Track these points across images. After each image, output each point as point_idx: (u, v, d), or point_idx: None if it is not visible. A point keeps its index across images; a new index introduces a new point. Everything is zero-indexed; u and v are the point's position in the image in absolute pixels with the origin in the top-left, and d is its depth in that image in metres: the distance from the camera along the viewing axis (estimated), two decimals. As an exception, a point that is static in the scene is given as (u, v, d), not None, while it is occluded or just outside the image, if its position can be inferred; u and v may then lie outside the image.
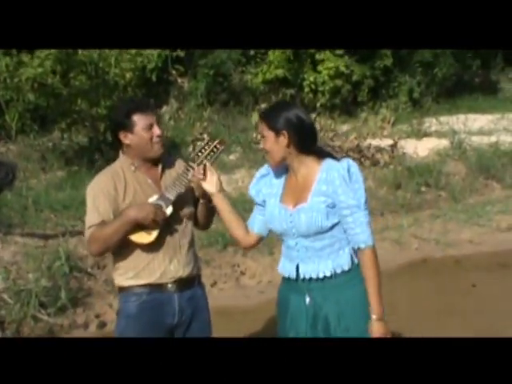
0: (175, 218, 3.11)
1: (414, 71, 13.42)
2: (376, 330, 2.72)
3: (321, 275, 2.78)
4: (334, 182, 2.73)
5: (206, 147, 3.09)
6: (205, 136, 10.34)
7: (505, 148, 10.94)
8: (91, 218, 3.05)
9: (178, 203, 3.09)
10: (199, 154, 3.07)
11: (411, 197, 9.20)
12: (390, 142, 10.50)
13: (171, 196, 3.05)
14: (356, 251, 2.80)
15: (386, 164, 10.12)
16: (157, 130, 3.10)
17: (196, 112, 11.67)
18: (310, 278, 2.81)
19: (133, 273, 3.09)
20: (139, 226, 3.00)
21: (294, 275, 2.85)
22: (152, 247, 3.07)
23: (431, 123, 12.07)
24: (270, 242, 7.30)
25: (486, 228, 8.21)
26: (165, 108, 11.77)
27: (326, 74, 12.14)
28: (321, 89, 12.31)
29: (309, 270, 2.81)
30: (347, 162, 2.76)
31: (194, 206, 3.25)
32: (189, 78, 12.20)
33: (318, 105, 12.37)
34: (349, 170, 2.73)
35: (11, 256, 6.08)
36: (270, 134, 2.80)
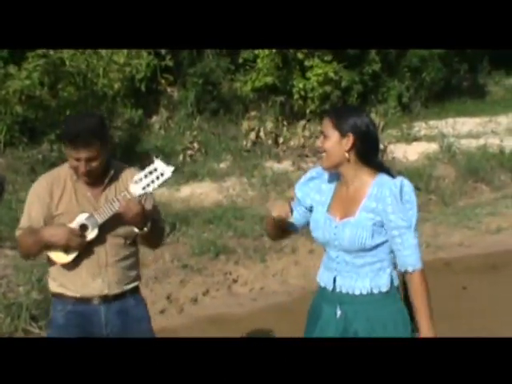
0: (105, 237, 3.01)
1: (402, 76, 13.47)
2: None
3: (357, 292, 2.73)
4: (385, 199, 2.65)
5: (149, 173, 2.93)
6: (195, 145, 10.35)
7: (493, 150, 11.00)
8: (23, 220, 3.08)
9: (113, 221, 2.98)
10: (142, 178, 2.93)
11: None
12: (380, 146, 10.50)
13: (99, 219, 2.94)
14: (404, 273, 2.73)
15: (376, 169, 10.12)
16: (81, 168, 2.94)
17: (186, 121, 11.67)
18: (347, 293, 2.75)
19: (60, 281, 3.07)
20: (55, 246, 2.96)
21: (330, 286, 2.80)
22: (74, 262, 3.01)
23: (420, 127, 12.11)
24: (261, 249, 7.32)
25: (476, 230, 8.24)
26: (154, 118, 11.77)
27: (315, 81, 12.16)
28: (310, 95, 12.33)
29: (345, 285, 2.75)
30: (401, 181, 2.67)
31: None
32: (178, 87, 12.21)
33: (308, 111, 12.39)
34: (402, 189, 2.64)
35: (1, 269, 6.05)
36: (334, 134, 2.71)
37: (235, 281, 6.73)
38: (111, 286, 3.06)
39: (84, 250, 2.99)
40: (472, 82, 15.88)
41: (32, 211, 3.03)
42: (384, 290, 2.72)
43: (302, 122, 11.62)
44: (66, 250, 2.97)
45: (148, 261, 6.68)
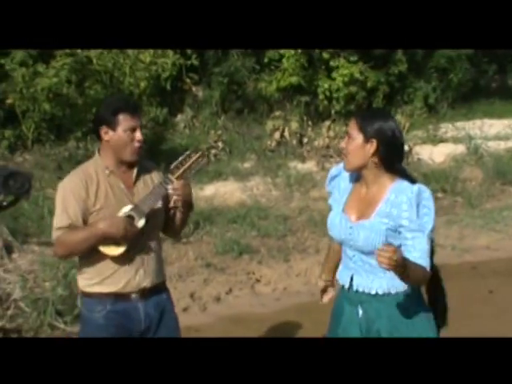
0: (145, 230, 3.07)
1: (429, 77, 13.39)
2: None
3: (373, 292, 2.75)
4: (401, 205, 2.65)
5: (187, 159, 3.06)
6: (219, 144, 10.40)
7: (521, 153, 10.89)
8: (60, 219, 3.02)
9: (150, 214, 3.06)
10: (179, 165, 3.04)
11: (426, 202, 9.15)
12: (405, 148, 10.45)
13: (146, 209, 3.01)
14: None
15: (402, 170, 10.09)
16: (139, 135, 3.04)
17: (210, 120, 11.72)
18: (363, 292, 2.78)
19: (98, 279, 3.08)
20: (109, 238, 2.98)
21: (347, 285, 2.83)
22: (119, 257, 3.05)
23: (447, 129, 12.03)
24: (285, 249, 7.34)
25: (503, 234, 8.17)
26: (179, 116, 11.83)
27: (340, 81, 12.14)
28: (335, 96, 12.31)
29: (362, 284, 2.78)
30: (418, 187, 2.67)
31: (166, 214, 3.22)
32: (203, 86, 12.26)
33: (333, 112, 12.38)
34: (419, 195, 2.65)
35: (28, 265, 6.14)
36: (358, 137, 2.72)
37: (258, 280, 6.76)
38: (150, 277, 3.13)
39: (131, 242, 3.03)
40: (501, 82, 15.75)
41: (69, 209, 3.00)
42: (401, 289, 2.73)
43: (327, 123, 11.62)
44: (117, 241, 3.00)
45: (172, 259, 6.74)
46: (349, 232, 2.77)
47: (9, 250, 6.19)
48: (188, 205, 3.13)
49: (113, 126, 3.03)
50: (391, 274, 2.66)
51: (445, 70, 13.53)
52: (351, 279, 2.82)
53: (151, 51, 9.63)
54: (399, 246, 2.66)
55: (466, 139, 11.23)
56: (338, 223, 2.82)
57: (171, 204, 3.16)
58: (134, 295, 3.10)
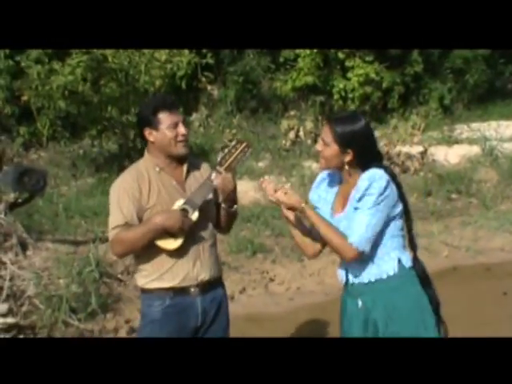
0: (199, 222, 3.11)
1: (444, 78, 13.32)
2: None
3: (365, 280, 2.80)
4: (360, 189, 2.73)
5: (233, 150, 3.10)
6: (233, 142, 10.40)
7: (537, 155, 10.80)
8: (116, 218, 3.06)
9: (203, 207, 3.10)
10: (226, 157, 3.08)
11: (442, 204, 9.12)
12: (420, 148, 10.42)
13: (198, 201, 3.05)
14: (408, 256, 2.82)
15: (416, 171, 10.06)
16: (182, 129, 3.09)
17: (225, 119, 11.74)
18: (359, 283, 2.83)
19: (156, 275, 3.10)
20: (165, 232, 3.01)
21: (344, 279, 2.90)
22: (176, 251, 3.08)
23: (462, 130, 11.96)
24: (299, 249, 7.32)
25: (518, 235, 8.11)
26: (194, 115, 11.86)
27: (355, 81, 12.11)
28: (350, 96, 12.29)
29: (356, 275, 2.83)
30: (371, 173, 2.73)
31: (216, 209, 3.26)
32: (218, 85, 12.29)
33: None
34: (370, 177, 2.72)
35: (42, 262, 6.16)
36: (333, 146, 2.77)
37: (272, 280, 6.75)
38: (208, 270, 3.15)
39: (186, 235, 3.06)
40: (517, 84, 15.63)
41: (123, 208, 3.04)
42: (391, 273, 2.77)
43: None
44: (174, 235, 3.02)
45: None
46: None
47: (23, 247, 6.21)
48: (230, 197, 3.15)
49: (155, 125, 3.08)
50: (378, 260, 2.76)
51: (461, 70, 13.45)
52: (346, 274, 2.87)
53: (166, 49, 9.65)
54: (384, 228, 2.74)
55: (481, 140, 11.16)
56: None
57: (220, 198, 3.20)
58: (193, 289, 3.12)
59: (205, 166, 3.27)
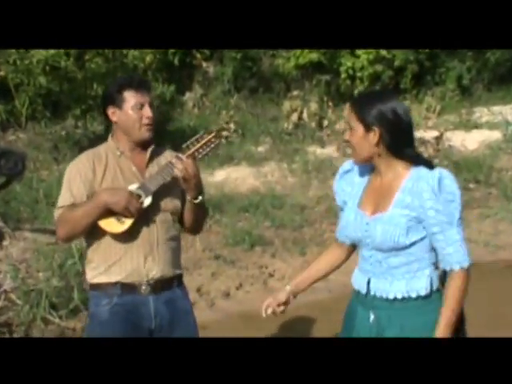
0: (155, 211, 3.11)
1: (463, 56, 13.27)
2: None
3: (391, 296, 2.70)
4: (422, 194, 2.60)
5: (200, 139, 3.11)
6: (231, 125, 10.39)
7: None
8: (63, 198, 3.11)
9: (161, 195, 3.10)
10: (190, 145, 3.09)
11: (458, 194, 9.11)
12: (435, 133, 10.41)
13: (152, 186, 3.05)
14: (447, 273, 2.68)
15: (431, 158, 9.99)
16: (148, 112, 3.11)
17: (222, 99, 11.72)
18: (381, 296, 2.73)
19: (103, 267, 3.10)
20: (112, 213, 3.01)
21: (364, 290, 2.79)
22: (125, 239, 3.07)
23: (482, 113, 11.94)
24: (301, 241, 7.33)
25: (542, 229, 8.12)
26: (188, 94, 11.83)
27: (365, 59, 12.07)
28: (359, 75, 12.25)
29: (380, 288, 2.73)
30: (439, 172, 2.62)
31: (182, 203, 3.24)
32: (214, 62, 12.24)
33: (356, 92, 12.30)
34: (440, 181, 2.60)
35: (20, 253, 6.16)
36: (358, 127, 2.67)
37: (271, 275, 6.76)
38: (162, 267, 3.12)
39: (135, 224, 3.05)
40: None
41: (74, 188, 3.09)
42: (422, 293, 2.68)
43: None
44: (121, 217, 3.03)
45: (177, 250, 6.74)
46: (365, 229, 2.73)
47: (-1, 236, 6.21)
48: (192, 184, 3.10)
49: (118, 104, 3.11)
50: (411, 276, 2.67)
51: (481, 48, 13.43)
52: (368, 283, 2.79)
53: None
54: (425, 239, 2.64)
55: (502, 125, 11.15)
56: (353, 220, 2.78)
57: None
58: (143, 287, 3.10)
59: (170, 154, 3.25)
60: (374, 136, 2.65)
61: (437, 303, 2.67)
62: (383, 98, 2.69)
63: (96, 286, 3.15)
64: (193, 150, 3.08)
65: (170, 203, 3.18)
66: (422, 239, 2.65)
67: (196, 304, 6.02)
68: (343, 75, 12.32)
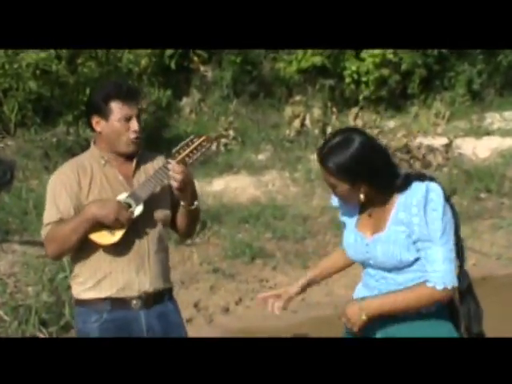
0: (146, 221, 3.10)
1: (473, 59, 13.30)
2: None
3: (400, 314, 2.71)
4: (411, 208, 2.62)
5: (190, 143, 3.10)
6: (230, 132, 10.40)
7: None
8: (49, 214, 3.08)
9: (152, 204, 3.09)
10: (180, 151, 3.08)
11: (469, 204, 9.11)
12: (444, 140, 10.42)
13: (143, 194, 3.04)
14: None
15: (440, 166, 10.05)
16: (135, 125, 3.07)
17: (221, 105, 11.73)
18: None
19: (92, 282, 3.08)
20: (102, 225, 3.00)
21: None
22: (116, 252, 3.06)
23: (494, 119, 11.97)
24: (303, 254, 7.32)
25: (557, 241, 8.12)
26: (185, 100, 11.85)
27: (370, 63, 12.10)
28: (364, 79, 12.28)
29: None
30: (426, 186, 2.63)
31: (173, 209, 3.24)
32: (213, 65, 12.27)
33: (361, 98, 12.35)
34: (426, 195, 2.61)
35: (8, 267, 6.15)
36: (341, 185, 2.67)
37: (273, 289, 6.73)
38: (154, 280, 3.12)
39: (126, 236, 3.04)
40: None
41: (60, 203, 3.06)
42: (433, 308, 2.70)
43: (354, 110, 11.59)
44: (111, 229, 3.02)
45: (174, 262, 6.72)
46: (366, 250, 2.76)
47: (-13, 248, 6.21)
48: (187, 192, 3.11)
49: (104, 115, 3.08)
50: None
51: (492, 51, 13.44)
52: None
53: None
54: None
55: (515, 132, 11.18)
56: (354, 242, 2.81)
57: (175, 194, 3.18)
58: (134, 301, 3.09)
59: (159, 160, 3.25)
60: (360, 188, 2.66)
61: (443, 311, 2.72)
62: (349, 144, 2.63)
63: (83, 302, 3.13)
64: (183, 154, 3.07)
65: (160, 212, 3.17)
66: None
67: (193, 320, 6.01)
68: (348, 79, 12.35)
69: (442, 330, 2.74)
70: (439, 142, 10.41)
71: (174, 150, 3.09)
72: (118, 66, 9.16)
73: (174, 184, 3.03)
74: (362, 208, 2.82)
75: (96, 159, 3.15)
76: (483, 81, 13.31)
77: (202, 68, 12.25)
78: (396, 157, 10.28)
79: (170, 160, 3.06)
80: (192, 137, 3.14)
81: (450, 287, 2.60)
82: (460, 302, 2.79)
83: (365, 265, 2.83)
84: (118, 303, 3.08)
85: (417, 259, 2.66)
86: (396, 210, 2.67)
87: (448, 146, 10.32)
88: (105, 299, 3.07)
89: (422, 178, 2.69)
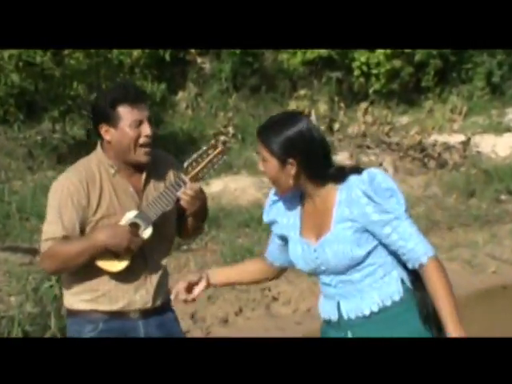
0: (152, 242, 3.07)
1: (493, 49, 13.32)
2: None
3: (367, 312, 2.75)
4: (359, 201, 2.68)
5: (204, 156, 3.06)
6: (230, 129, 10.41)
7: None
8: (52, 229, 3.03)
9: (159, 222, 3.06)
10: (194, 164, 3.04)
11: (488, 207, 9.12)
12: (461, 138, 10.44)
13: (153, 215, 3.02)
14: (418, 270, 2.71)
15: (457, 166, 10.07)
16: (147, 130, 3.04)
17: (219, 99, 11.75)
18: (356, 317, 2.76)
19: (89, 296, 3.08)
20: (107, 250, 2.98)
21: (335, 316, 2.81)
22: (118, 273, 3.05)
23: (515, 115, 12.00)
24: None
25: None
26: (181, 94, 11.86)
27: (381, 53, 12.12)
28: (375, 72, 12.30)
29: (352, 308, 2.78)
30: (367, 173, 2.70)
31: (178, 218, 3.22)
32: (211, 57, 12.29)
33: (371, 91, 12.38)
34: (371, 182, 2.68)
35: (-10, 275, 6.17)
36: (272, 161, 2.73)
37: (275, 299, 6.75)
38: (154, 297, 3.12)
39: (133, 256, 3.04)
40: None
41: (65, 218, 3.01)
42: (397, 298, 2.74)
43: (364, 105, 11.59)
44: (118, 255, 3.01)
45: (169, 270, 6.70)
46: (315, 256, 2.77)
47: (-34, 255, 6.23)
48: (199, 214, 3.12)
49: (113, 122, 3.04)
50: (380, 284, 2.73)
51: (513, 41, 13.46)
52: (338, 307, 2.82)
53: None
54: (377, 247, 2.71)
55: (538, 128, 11.20)
56: (301, 252, 2.82)
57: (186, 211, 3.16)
58: (133, 314, 3.10)
59: (172, 168, 3.22)
60: (291, 167, 2.71)
61: (413, 308, 2.75)
62: (289, 123, 2.74)
63: (77, 312, 3.12)
64: (197, 170, 3.03)
65: (168, 231, 3.17)
66: (375, 246, 2.72)
67: (190, 332, 6.01)
68: (356, 72, 12.37)
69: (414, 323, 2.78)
70: (456, 139, 10.43)
71: (186, 164, 3.04)
72: (108, 57, 9.14)
73: (186, 204, 3.02)
74: (302, 216, 2.86)
75: (105, 166, 3.10)
76: (504, 73, 13.32)
77: (198, 60, 12.26)
78: (409, 155, 10.30)
79: (182, 176, 3.03)
80: (205, 148, 3.09)
81: (434, 255, 2.68)
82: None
83: (317, 273, 2.83)
84: (115, 314, 3.08)
85: (368, 253, 2.71)
86: (338, 208, 2.72)
87: (465, 144, 10.33)
88: (102, 311, 3.07)
89: (357, 170, 2.77)
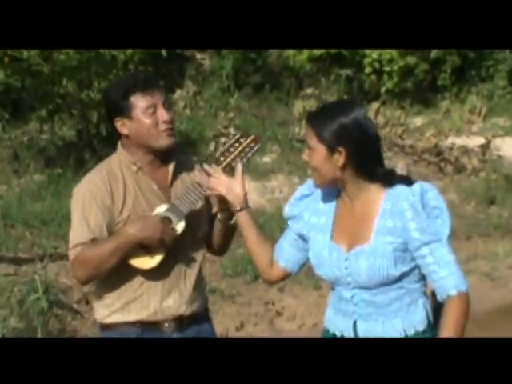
0: (184, 239, 3.07)
1: (514, 47, 13.35)
2: None
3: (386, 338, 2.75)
4: (404, 214, 2.66)
5: (237, 144, 3.06)
6: (231, 131, 10.41)
7: None
8: (79, 234, 3.04)
9: (190, 218, 3.06)
10: (226, 154, 3.04)
11: (509, 215, 9.12)
12: (480, 140, 10.44)
13: (185, 208, 3.01)
14: (443, 301, 2.71)
15: (476, 171, 10.06)
16: (164, 114, 3.07)
17: (220, 98, 11.75)
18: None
19: (120, 304, 3.10)
20: (140, 246, 3.00)
21: (350, 335, 2.81)
22: (149, 273, 3.06)
23: (539, 116, 12.00)
24: (314, 273, 7.31)
25: None
26: (178, 92, 11.87)
27: (394, 49, 12.12)
28: (387, 69, 12.31)
29: (371, 331, 2.77)
30: (420, 186, 2.68)
31: (209, 224, 3.24)
32: (211, 53, 12.30)
33: (383, 90, 12.37)
34: (422, 196, 2.66)
35: (-29, 286, 6.16)
36: (320, 148, 2.71)
37: (279, 313, 6.76)
38: (189, 304, 3.14)
39: (166, 254, 3.04)
40: None
41: (90, 220, 3.03)
42: (420, 328, 2.74)
43: (375, 105, 11.62)
44: (150, 250, 3.01)
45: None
46: (344, 266, 2.75)
47: None
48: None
49: (127, 112, 3.07)
50: (405, 311, 2.73)
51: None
52: (354, 326, 2.81)
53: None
54: (414, 269, 2.71)
55: None
56: (328, 256, 2.80)
57: (214, 208, 3.19)
58: (166, 324, 3.10)
59: (194, 166, 3.26)
60: (339, 158, 2.69)
61: (427, 334, 2.75)
62: (344, 110, 2.73)
63: (109, 326, 3.14)
64: (230, 159, 3.04)
65: (199, 228, 3.19)
66: (412, 269, 2.71)
67: (187, 349, 6.02)
68: (367, 69, 12.38)
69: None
70: (475, 142, 10.44)
71: (218, 153, 3.06)
72: (100, 52, 9.13)
73: (220, 197, 3.02)
74: (336, 218, 2.83)
75: (126, 165, 3.13)
76: (527, 71, 13.35)
77: (198, 56, 12.29)
78: (424, 159, 10.30)
79: (214, 166, 3.01)
80: (238, 135, 3.10)
81: (466, 291, 2.66)
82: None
83: (339, 284, 2.82)
84: (148, 326, 3.09)
85: (401, 276, 2.70)
86: (381, 218, 2.70)
87: (485, 147, 10.33)
88: (134, 323, 3.09)
89: (408, 180, 2.76)
